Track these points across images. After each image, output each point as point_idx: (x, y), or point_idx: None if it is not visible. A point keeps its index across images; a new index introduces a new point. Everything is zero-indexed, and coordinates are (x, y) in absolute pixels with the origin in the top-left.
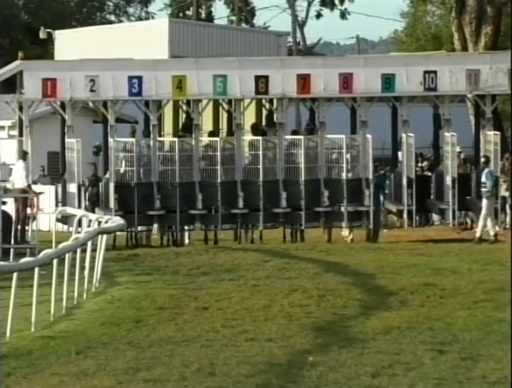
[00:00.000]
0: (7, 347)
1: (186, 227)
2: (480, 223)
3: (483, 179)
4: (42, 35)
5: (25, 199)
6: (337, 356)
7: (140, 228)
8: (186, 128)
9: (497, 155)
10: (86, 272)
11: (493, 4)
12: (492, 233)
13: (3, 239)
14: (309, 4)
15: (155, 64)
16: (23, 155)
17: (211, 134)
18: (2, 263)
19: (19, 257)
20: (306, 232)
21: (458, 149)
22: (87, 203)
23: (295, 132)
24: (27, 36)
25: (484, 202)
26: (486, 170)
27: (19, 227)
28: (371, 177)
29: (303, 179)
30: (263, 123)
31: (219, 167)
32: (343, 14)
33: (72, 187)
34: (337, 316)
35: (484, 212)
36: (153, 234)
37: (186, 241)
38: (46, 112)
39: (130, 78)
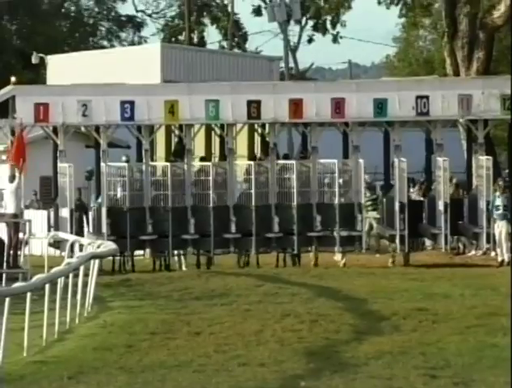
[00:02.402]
0: None
1: (177, 252)
2: (504, 245)
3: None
4: (34, 60)
5: (17, 223)
6: (329, 381)
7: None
8: (177, 153)
9: (489, 180)
10: (79, 297)
11: (485, 29)
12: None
13: None
14: (301, 29)
15: (147, 88)
16: (12, 179)
17: (202, 159)
18: None
19: (12, 282)
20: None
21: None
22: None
23: (286, 157)
24: (19, 61)
25: (506, 225)
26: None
27: (11, 252)
28: (363, 201)
29: (295, 203)
30: (255, 148)
31: (211, 192)
32: (335, 39)
33: (64, 212)
34: (329, 341)
35: (505, 234)
36: (145, 258)
37: (184, 268)
38: (38, 137)
39: (122, 103)
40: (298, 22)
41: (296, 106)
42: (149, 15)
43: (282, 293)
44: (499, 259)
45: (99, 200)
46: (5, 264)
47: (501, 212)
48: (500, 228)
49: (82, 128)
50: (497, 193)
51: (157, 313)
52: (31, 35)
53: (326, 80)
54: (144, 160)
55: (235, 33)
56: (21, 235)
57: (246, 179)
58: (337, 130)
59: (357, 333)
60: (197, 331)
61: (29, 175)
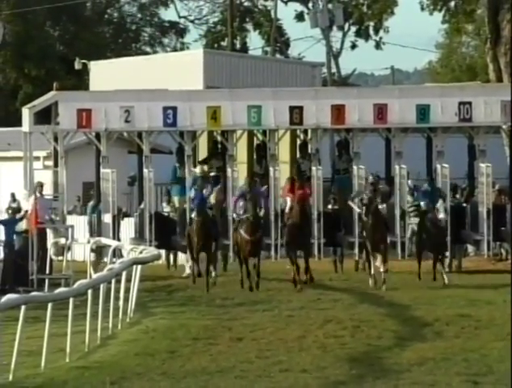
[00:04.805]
0: (42, 378)
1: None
2: None
3: None
4: (77, 65)
5: (42, 232)
6: None
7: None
8: (211, 158)
9: None
10: (121, 303)
11: None
12: None
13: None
14: (344, 35)
15: (190, 94)
16: (40, 187)
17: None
18: (37, 293)
19: (54, 287)
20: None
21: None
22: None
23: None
24: (62, 67)
25: None
26: None
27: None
28: (406, 208)
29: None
30: (297, 154)
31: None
32: (378, 45)
33: (107, 218)
34: (371, 347)
35: None
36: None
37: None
38: (81, 143)
39: (165, 109)
40: (340, 28)
41: (339, 112)
42: (192, 21)
43: (324, 299)
44: None
45: (142, 206)
46: (35, 270)
47: None
48: None
49: (125, 134)
50: None
51: (199, 318)
52: (74, 41)
53: (369, 86)
54: (186, 166)
55: (277, 39)
56: (63, 241)
57: None
58: (379, 136)
59: (399, 339)
60: (239, 337)
61: (72, 180)
